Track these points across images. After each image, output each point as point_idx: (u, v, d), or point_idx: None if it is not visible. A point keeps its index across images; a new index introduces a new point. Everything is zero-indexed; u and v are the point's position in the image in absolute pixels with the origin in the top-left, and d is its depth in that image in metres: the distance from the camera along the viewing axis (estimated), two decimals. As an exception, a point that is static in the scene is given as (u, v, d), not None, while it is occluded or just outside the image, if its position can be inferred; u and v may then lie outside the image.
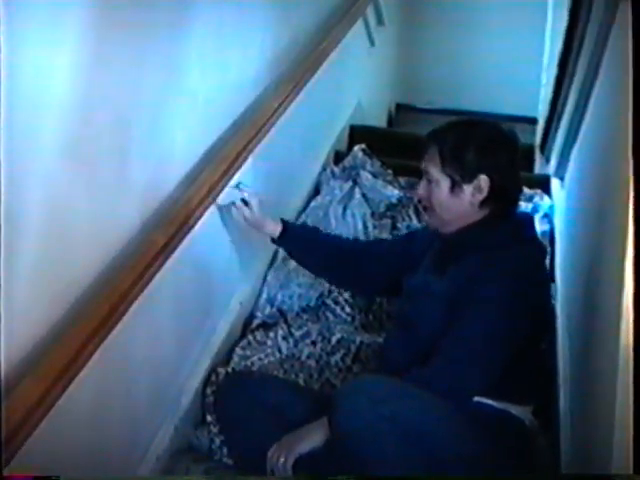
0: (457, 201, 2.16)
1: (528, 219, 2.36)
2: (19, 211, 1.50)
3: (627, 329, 1.47)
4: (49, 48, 1.54)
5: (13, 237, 1.48)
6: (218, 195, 2.39)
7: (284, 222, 2.56)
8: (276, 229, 2.52)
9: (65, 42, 1.60)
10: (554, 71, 3.58)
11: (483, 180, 2.13)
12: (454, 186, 2.15)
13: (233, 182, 2.46)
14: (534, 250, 2.24)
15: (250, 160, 2.64)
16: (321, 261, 2.60)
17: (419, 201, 2.38)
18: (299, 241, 2.58)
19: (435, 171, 2.17)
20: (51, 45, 1.54)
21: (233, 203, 2.48)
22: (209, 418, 2.45)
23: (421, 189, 2.24)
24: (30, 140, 1.51)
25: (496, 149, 2.17)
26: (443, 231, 2.24)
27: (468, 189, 2.15)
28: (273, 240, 2.59)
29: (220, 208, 2.48)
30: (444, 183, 2.16)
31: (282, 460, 2.05)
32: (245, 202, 2.47)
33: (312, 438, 2.04)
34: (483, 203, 2.16)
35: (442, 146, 2.16)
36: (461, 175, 2.14)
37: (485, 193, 2.14)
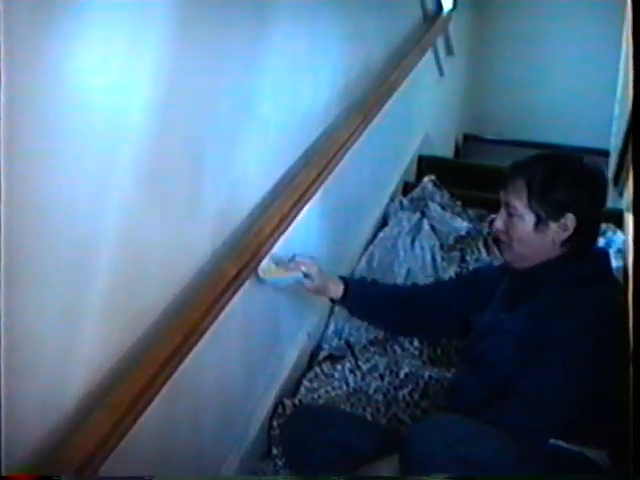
0: (540, 237, 2.10)
1: (605, 255, 2.29)
2: (95, 238, 1.51)
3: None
4: (127, 77, 1.55)
5: (89, 265, 1.50)
6: (290, 225, 2.37)
7: (344, 281, 2.47)
8: (338, 291, 2.43)
9: (142, 71, 1.61)
10: (627, 103, 3.52)
11: (570, 219, 2.07)
12: (539, 223, 2.09)
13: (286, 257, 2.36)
14: (613, 288, 2.17)
15: (320, 191, 2.63)
16: (384, 315, 2.53)
17: (489, 234, 2.36)
18: (360, 299, 2.49)
19: (520, 205, 2.10)
20: (129, 74, 1.56)
21: (297, 280, 2.36)
22: (275, 451, 2.42)
23: (500, 222, 2.16)
24: (107, 167, 1.53)
25: (585, 188, 2.10)
26: (517, 266, 2.18)
27: (553, 226, 2.08)
28: (333, 300, 2.53)
29: (280, 285, 2.39)
30: (529, 218, 2.10)
31: None
32: (306, 274, 2.36)
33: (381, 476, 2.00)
34: (565, 241, 2.11)
35: (530, 180, 2.09)
36: (548, 212, 2.07)
37: (570, 232, 2.08)
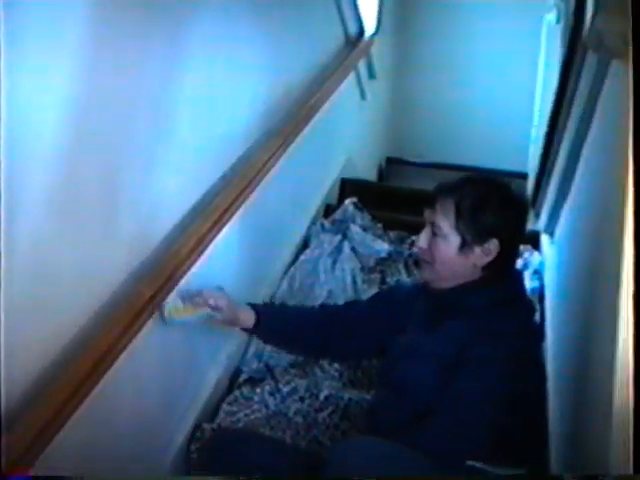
0: (462, 260, 2.10)
1: (519, 276, 2.33)
2: (4, 264, 1.47)
3: (621, 385, 1.44)
4: (37, 94, 1.53)
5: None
6: (207, 247, 2.35)
7: (255, 309, 2.42)
8: (250, 320, 2.39)
9: (52, 88, 1.59)
10: (544, 127, 3.59)
11: (494, 244, 2.08)
12: (464, 245, 2.09)
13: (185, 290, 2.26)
14: (525, 309, 2.21)
15: (240, 212, 2.63)
16: (297, 341, 2.52)
17: (410, 256, 2.35)
18: (272, 326, 2.46)
19: (446, 226, 2.10)
20: (39, 90, 1.54)
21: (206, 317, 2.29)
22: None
23: (423, 241, 2.15)
24: (16, 189, 1.48)
25: (512, 213, 2.12)
26: (435, 286, 2.18)
27: (477, 250, 2.09)
28: (245, 330, 2.49)
29: (188, 324, 2.28)
30: (454, 240, 2.09)
31: None
32: (214, 307, 2.28)
33: None
34: (486, 265, 2.12)
35: (460, 202, 2.09)
36: (473, 236, 2.08)
37: (493, 257, 2.10)
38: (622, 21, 1.60)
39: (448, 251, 2.11)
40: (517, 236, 2.18)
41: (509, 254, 2.16)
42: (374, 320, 2.39)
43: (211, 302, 2.27)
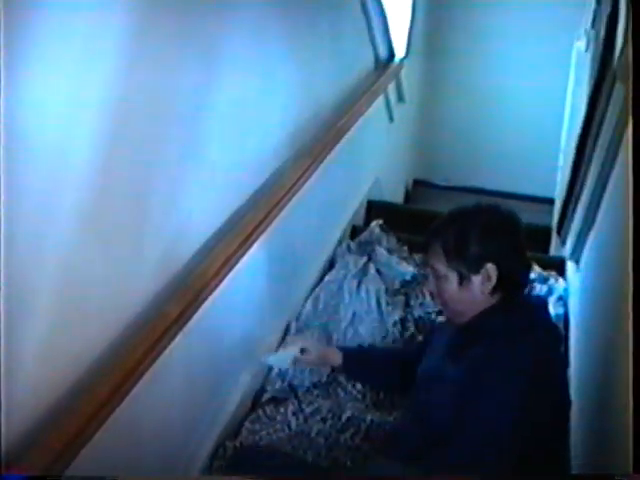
0: (467, 293, 2.14)
1: (542, 303, 2.34)
2: (33, 281, 1.50)
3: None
4: (68, 117, 1.55)
5: (24, 308, 1.48)
6: (233, 267, 2.37)
7: (342, 350, 2.59)
8: (338, 359, 2.54)
9: (88, 105, 1.62)
10: (572, 154, 3.59)
11: (490, 268, 2.10)
12: (462, 279, 2.13)
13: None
14: (550, 336, 2.21)
15: (267, 233, 2.65)
16: (380, 378, 2.65)
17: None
18: (359, 365, 2.60)
19: (441, 267, 2.15)
20: (70, 114, 1.56)
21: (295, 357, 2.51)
22: (215, 494, 2.42)
23: (430, 285, 2.24)
24: (47, 209, 1.52)
25: (498, 235, 2.15)
26: (457, 322, 2.22)
27: (477, 280, 2.12)
28: (333, 369, 2.73)
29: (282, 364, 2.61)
30: (452, 277, 2.14)
31: None
32: (302, 349, 2.49)
33: None
34: (494, 290, 2.13)
35: (444, 242, 2.14)
36: (467, 268, 2.12)
37: (494, 281, 2.11)
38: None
39: (451, 289, 2.16)
40: (514, 255, 2.18)
41: (512, 272, 2.16)
42: None
43: (300, 344, 2.51)
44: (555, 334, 2.26)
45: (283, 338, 3.10)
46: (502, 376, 2.02)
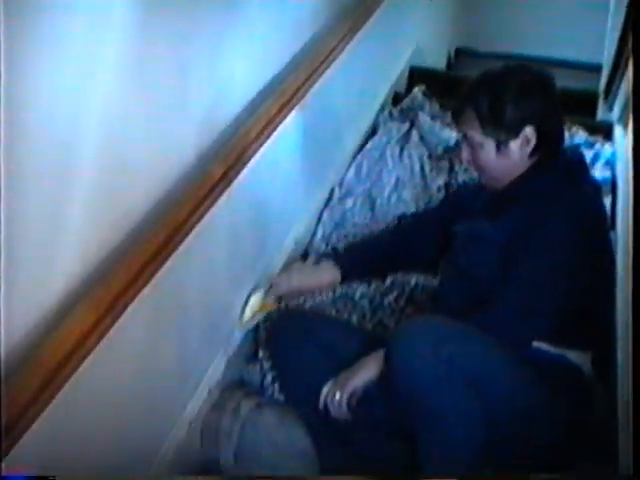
0: (505, 159, 2.08)
1: (578, 158, 2.26)
2: (78, 140, 1.50)
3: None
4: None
5: (71, 166, 1.48)
6: (276, 129, 2.35)
7: (336, 260, 2.45)
8: (336, 278, 2.42)
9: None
10: (621, 16, 3.48)
11: (529, 132, 2.05)
12: (500, 146, 2.07)
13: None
14: (589, 191, 2.17)
15: (308, 96, 2.61)
16: (384, 267, 2.58)
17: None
18: (358, 267, 2.48)
19: (476, 134, 2.08)
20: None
21: None
22: (261, 354, 2.45)
23: (465, 154, 2.15)
24: (88, 66, 1.49)
25: (534, 95, 2.08)
26: (495, 187, 2.18)
27: (515, 145, 2.06)
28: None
29: None
30: (488, 145, 2.08)
31: (337, 396, 2.04)
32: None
33: (367, 372, 2.03)
34: (532, 153, 2.08)
35: (478, 108, 2.06)
36: (505, 133, 2.06)
37: (533, 144, 2.07)
38: None
39: (488, 157, 2.09)
40: (552, 114, 2.12)
41: (551, 133, 2.12)
42: (444, 222, 2.39)
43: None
44: (597, 187, 2.23)
45: (327, 203, 3.10)
46: (546, 239, 2.01)
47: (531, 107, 2.06)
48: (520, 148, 2.07)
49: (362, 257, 2.51)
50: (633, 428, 1.37)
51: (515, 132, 2.05)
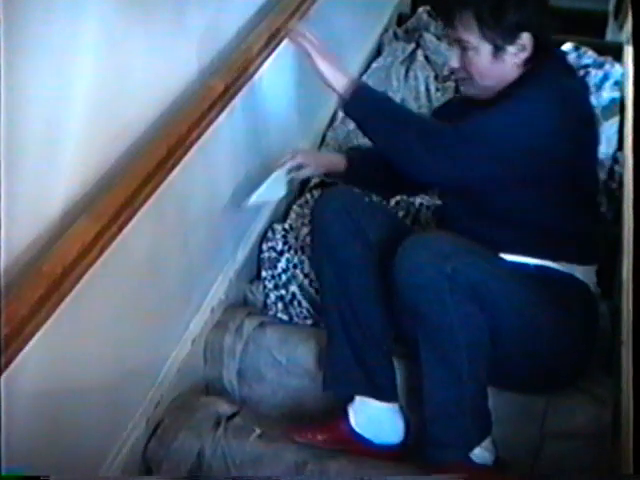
0: (500, 65, 2.02)
1: (564, 60, 2.23)
2: (77, 50, 1.48)
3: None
4: None
5: (70, 75, 1.47)
6: (279, 44, 2.29)
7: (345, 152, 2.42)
8: (341, 164, 2.33)
9: None
10: None
11: (526, 38, 2.00)
12: (496, 50, 2.01)
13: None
14: (577, 86, 2.16)
15: (311, 13, 2.56)
16: (387, 176, 2.36)
17: (452, 73, 2.29)
18: (363, 163, 2.37)
19: (473, 38, 2.01)
20: None
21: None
22: (264, 273, 2.45)
23: (455, 60, 2.08)
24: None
25: (534, 4, 2.03)
26: (482, 98, 2.10)
27: (511, 50, 2.01)
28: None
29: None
30: (484, 49, 2.01)
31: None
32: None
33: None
34: (526, 61, 2.03)
35: (478, 10, 1.99)
36: (503, 37, 2.00)
37: (529, 51, 2.02)
38: None
39: (482, 62, 2.03)
40: (547, 20, 2.06)
41: (546, 41, 2.06)
42: None
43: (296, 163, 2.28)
44: (585, 84, 2.23)
45: (330, 124, 3.07)
46: (531, 105, 1.98)
47: (529, 14, 2.01)
48: (516, 54, 2.02)
49: (366, 155, 2.42)
50: (633, 428, 1.37)
51: (512, 37, 2.00)
